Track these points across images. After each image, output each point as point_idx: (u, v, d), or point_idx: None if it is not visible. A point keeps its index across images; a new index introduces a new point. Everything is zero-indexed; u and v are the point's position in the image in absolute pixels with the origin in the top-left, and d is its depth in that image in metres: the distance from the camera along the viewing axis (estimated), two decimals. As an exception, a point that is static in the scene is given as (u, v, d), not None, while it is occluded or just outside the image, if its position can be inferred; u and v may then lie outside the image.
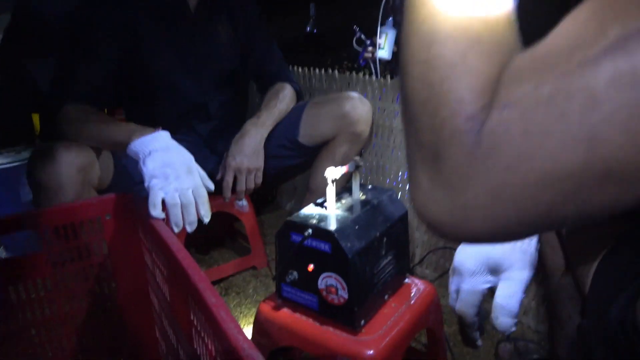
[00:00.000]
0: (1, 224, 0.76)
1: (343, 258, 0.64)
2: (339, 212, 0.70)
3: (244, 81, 1.36)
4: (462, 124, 0.28)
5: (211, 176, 0.98)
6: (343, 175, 1.23)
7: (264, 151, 1.17)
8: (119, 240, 0.85)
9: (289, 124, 1.19)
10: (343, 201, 0.74)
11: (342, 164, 1.20)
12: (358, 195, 0.76)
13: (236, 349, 0.43)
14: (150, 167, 0.84)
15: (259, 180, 1.14)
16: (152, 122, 1.00)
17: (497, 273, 0.56)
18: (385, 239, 0.72)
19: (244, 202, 1.28)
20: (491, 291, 0.66)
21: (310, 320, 0.72)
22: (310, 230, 0.66)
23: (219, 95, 1.24)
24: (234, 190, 1.15)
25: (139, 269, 0.87)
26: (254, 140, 1.13)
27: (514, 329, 0.54)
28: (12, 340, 0.80)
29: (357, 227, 0.68)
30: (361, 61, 1.62)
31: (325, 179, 1.22)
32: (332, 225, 0.66)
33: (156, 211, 0.84)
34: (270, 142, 1.18)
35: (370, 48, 1.57)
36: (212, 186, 0.92)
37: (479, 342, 0.69)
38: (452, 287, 0.62)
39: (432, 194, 0.29)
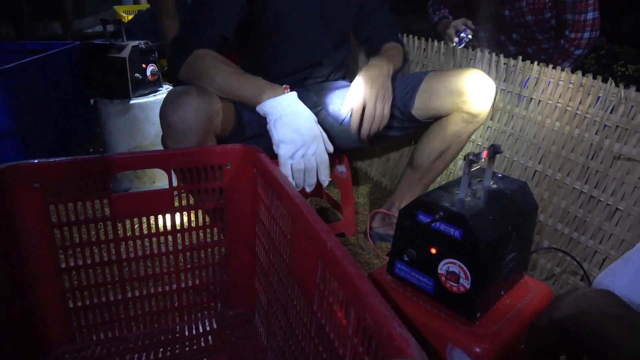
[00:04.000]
0: (136, 160, 0.80)
1: (474, 247, 0.61)
2: (471, 198, 0.67)
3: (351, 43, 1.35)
4: None
5: None
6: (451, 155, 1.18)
7: None
8: (235, 189, 0.87)
9: (404, 94, 1.14)
10: (474, 187, 0.70)
11: (451, 144, 1.16)
12: (490, 182, 0.72)
13: (387, 325, 0.42)
14: (281, 133, 0.89)
15: (388, 111, 1.06)
16: (268, 76, 1.00)
17: None
18: (514, 234, 0.68)
19: (343, 168, 1.27)
20: None
21: (421, 303, 0.70)
22: (442, 213, 0.64)
23: (335, 54, 1.22)
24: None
25: (250, 221, 0.89)
26: (384, 72, 1.07)
27: None
28: (120, 268, 0.85)
29: (490, 217, 0.64)
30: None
31: (431, 157, 1.19)
32: (466, 211, 0.62)
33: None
34: None
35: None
36: (331, 148, 0.95)
37: None
38: None
39: None
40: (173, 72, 1.03)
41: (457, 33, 1.62)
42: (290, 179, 0.92)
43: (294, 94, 0.95)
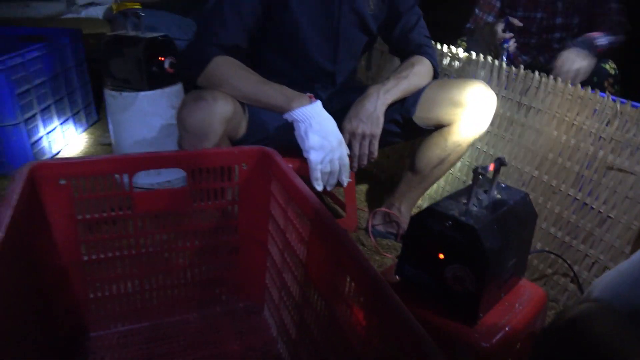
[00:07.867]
0: (158, 160, 0.84)
1: (481, 255, 0.66)
2: (478, 208, 0.72)
3: (373, 50, 1.38)
4: None
5: None
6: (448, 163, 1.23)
7: None
8: (250, 189, 0.91)
9: (407, 100, 1.18)
10: (480, 197, 0.75)
11: (451, 152, 1.20)
12: (494, 193, 0.77)
13: (408, 329, 0.46)
14: (312, 140, 0.99)
15: (374, 148, 1.11)
16: (278, 81, 1.05)
17: None
18: (515, 242, 0.74)
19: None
20: None
21: (427, 304, 0.75)
22: (450, 222, 0.68)
23: (348, 64, 1.24)
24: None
25: (263, 219, 0.93)
26: (373, 106, 1.09)
27: None
28: (141, 260, 0.89)
29: (495, 226, 0.69)
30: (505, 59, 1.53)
31: (431, 164, 1.24)
32: (474, 221, 0.67)
33: (319, 185, 1.02)
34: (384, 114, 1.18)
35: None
36: (349, 151, 1.03)
37: None
38: None
39: None
40: (189, 79, 1.06)
41: (501, 44, 1.54)
42: (319, 181, 1.02)
43: (319, 102, 1.03)
